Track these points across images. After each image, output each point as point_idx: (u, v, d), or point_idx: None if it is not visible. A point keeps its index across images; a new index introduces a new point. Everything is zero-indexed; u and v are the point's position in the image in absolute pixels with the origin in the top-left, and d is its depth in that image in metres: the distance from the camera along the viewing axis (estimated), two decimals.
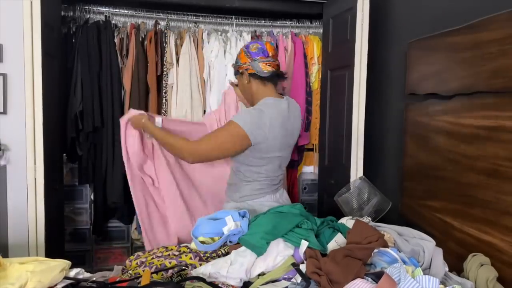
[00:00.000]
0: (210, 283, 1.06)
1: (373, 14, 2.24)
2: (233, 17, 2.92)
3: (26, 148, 1.90)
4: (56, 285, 1.07)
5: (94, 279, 1.15)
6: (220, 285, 1.09)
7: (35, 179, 1.92)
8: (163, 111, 2.73)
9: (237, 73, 1.69)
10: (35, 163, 1.91)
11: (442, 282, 1.11)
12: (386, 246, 1.20)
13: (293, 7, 2.77)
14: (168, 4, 2.70)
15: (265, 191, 1.68)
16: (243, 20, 2.96)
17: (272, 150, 1.61)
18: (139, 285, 1.07)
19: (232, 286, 1.11)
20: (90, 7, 2.71)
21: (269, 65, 1.61)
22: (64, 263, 1.12)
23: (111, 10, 2.76)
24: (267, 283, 1.12)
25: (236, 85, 1.82)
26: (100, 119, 2.61)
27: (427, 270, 1.20)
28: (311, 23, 3.08)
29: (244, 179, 1.67)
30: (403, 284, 0.93)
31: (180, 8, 2.78)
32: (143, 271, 1.17)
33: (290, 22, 3.05)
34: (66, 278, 1.10)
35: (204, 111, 2.79)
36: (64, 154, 2.68)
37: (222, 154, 1.60)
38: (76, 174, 2.82)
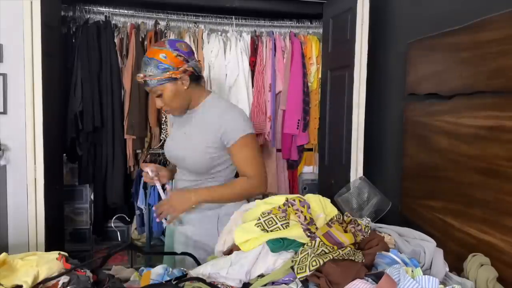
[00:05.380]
0: (209, 284, 1.06)
1: (373, 14, 2.24)
2: (233, 17, 2.92)
3: (26, 148, 1.90)
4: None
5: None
6: (219, 285, 1.09)
7: (35, 179, 1.92)
8: (163, 111, 2.73)
9: (168, 80, 1.38)
10: (35, 163, 1.91)
11: (442, 282, 1.11)
12: (387, 249, 1.19)
13: (293, 7, 2.78)
14: (168, 4, 2.70)
15: None
16: (243, 20, 2.96)
17: None
18: (139, 286, 1.07)
19: (232, 287, 1.10)
20: (90, 7, 2.71)
21: (199, 62, 1.47)
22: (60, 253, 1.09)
23: (111, 10, 2.76)
24: (266, 285, 1.12)
25: (158, 96, 1.45)
26: (100, 119, 2.61)
27: (427, 271, 1.19)
28: (311, 23, 3.08)
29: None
30: (402, 284, 0.93)
31: (180, 8, 2.78)
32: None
33: (289, 22, 3.05)
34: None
35: None
36: (64, 154, 2.68)
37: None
38: (76, 174, 2.82)
